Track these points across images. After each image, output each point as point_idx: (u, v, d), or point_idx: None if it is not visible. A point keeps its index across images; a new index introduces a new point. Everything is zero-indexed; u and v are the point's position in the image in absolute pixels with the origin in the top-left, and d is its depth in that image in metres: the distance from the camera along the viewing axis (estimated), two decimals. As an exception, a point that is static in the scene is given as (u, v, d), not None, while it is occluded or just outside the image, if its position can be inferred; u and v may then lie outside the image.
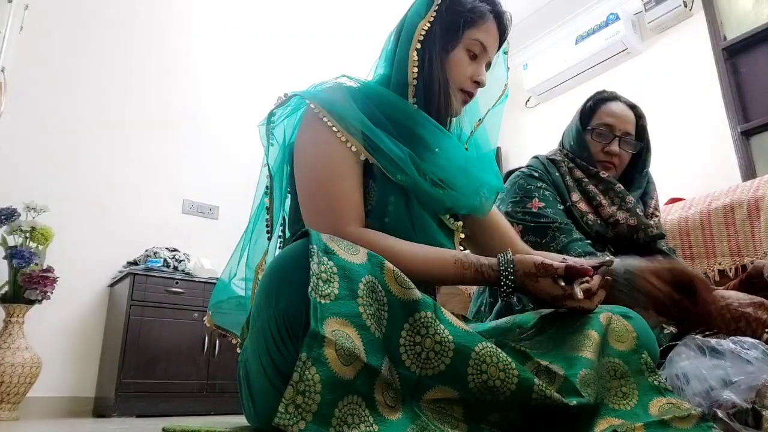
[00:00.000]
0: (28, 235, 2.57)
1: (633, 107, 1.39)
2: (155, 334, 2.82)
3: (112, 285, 3.10)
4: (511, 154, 4.23)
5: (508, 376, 0.62)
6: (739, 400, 0.67)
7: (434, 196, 0.88)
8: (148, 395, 2.72)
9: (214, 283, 1.12)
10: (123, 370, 2.68)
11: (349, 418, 0.55)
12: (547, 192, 1.28)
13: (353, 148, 0.84)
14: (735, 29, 3.12)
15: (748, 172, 2.84)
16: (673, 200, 1.91)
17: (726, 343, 0.75)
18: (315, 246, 0.60)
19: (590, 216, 1.28)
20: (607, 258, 0.87)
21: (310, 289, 0.57)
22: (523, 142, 4.12)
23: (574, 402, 0.64)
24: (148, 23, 3.62)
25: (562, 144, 1.44)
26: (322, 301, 0.57)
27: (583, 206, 1.29)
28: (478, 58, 0.95)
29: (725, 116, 3.03)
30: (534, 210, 1.24)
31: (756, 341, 0.76)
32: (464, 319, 0.94)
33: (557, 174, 1.34)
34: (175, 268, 3.10)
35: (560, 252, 1.16)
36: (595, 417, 0.68)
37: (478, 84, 0.96)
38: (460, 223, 0.97)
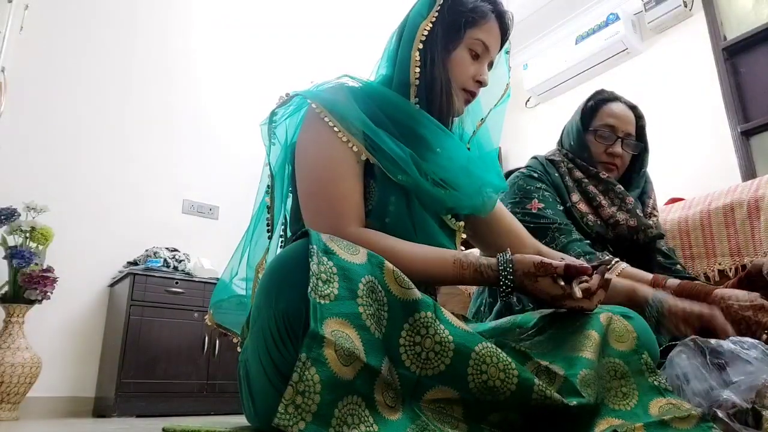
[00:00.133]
0: (28, 235, 2.57)
1: (633, 108, 1.39)
2: (155, 334, 2.82)
3: (112, 285, 3.10)
4: (511, 154, 4.23)
5: (508, 377, 0.62)
6: (739, 400, 0.67)
7: (436, 196, 0.88)
8: (148, 395, 2.72)
9: (214, 283, 1.13)
10: (123, 370, 2.67)
11: (348, 419, 0.55)
12: (546, 193, 1.28)
13: (354, 148, 0.84)
14: (735, 29, 3.12)
15: (748, 172, 2.84)
16: (673, 200, 1.91)
17: (726, 344, 0.75)
18: (315, 246, 0.60)
19: (590, 217, 1.28)
20: (606, 257, 0.87)
21: (309, 289, 0.57)
22: (523, 142, 4.12)
23: (574, 402, 0.63)
24: (148, 23, 3.62)
25: (561, 144, 1.44)
26: (322, 302, 0.57)
27: (583, 207, 1.29)
28: (480, 58, 0.95)
29: (725, 116, 3.03)
30: (533, 211, 1.24)
31: (756, 341, 0.76)
32: (464, 319, 0.94)
33: (557, 174, 1.34)
34: (175, 268, 3.10)
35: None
36: (595, 417, 0.68)
37: (480, 83, 0.96)
38: (462, 223, 0.97)
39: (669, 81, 3.39)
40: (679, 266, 1.31)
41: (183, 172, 3.55)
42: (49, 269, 2.57)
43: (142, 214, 3.32)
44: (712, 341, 0.76)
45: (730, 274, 1.40)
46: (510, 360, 0.64)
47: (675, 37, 3.44)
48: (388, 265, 0.65)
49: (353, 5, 4.36)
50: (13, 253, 2.51)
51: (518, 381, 0.62)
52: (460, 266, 0.79)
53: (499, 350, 0.64)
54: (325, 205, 0.82)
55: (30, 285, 2.48)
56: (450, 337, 0.63)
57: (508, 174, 1.39)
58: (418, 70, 0.90)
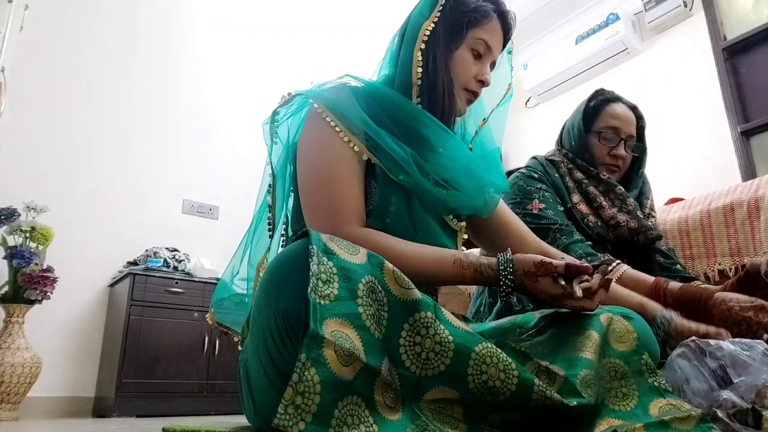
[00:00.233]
0: (28, 235, 2.56)
1: (634, 108, 1.39)
2: (155, 334, 2.81)
3: (112, 285, 3.10)
4: (511, 154, 4.23)
5: (508, 377, 0.62)
6: (739, 400, 0.67)
7: (437, 196, 0.88)
8: (148, 395, 2.72)
9: (214, 284, 1.13)
10: (123, 370, 2.67)
11: (348, 419, 0.55)
12: (547, 193, 1.28)
13: (355, 148, 0.84)
14: (735, 29, 3.12)
15: (748, 172, 2.84)
16: (673, 200, 1.91)
17: (726, 344, 0.75)
18: (315, 246, 0.60)
19: (591, 218, 1.28)
20: (607, 257, 0.87)
21: (309, 289, 0.57)
22: (523, 142, 4.12)
23: (574, 403, 0.63)
24: (148, 23, 3.62)
25: (560, 144, 1.44)
26: (322, 302, 0.57)
27: (583, 208, 1.29)
28: (482, 58, 0.95)
29: (725, 116, 3.03)
30: (534, 211, 1.24)
31: (756, 342, 0.76)
32: (464, 319, 0.94)
33: (557, 175, 1.33)
34: (175, 268, 3.10)
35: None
36: (596, 418, 0.67)
37: (483, 83, 0.96)
38: (464, 223, 0.97)
39: (669, 81, 3.39)
40: (679, 266, 1.31)
41: (183, 172, 3.55)
42: (49, 269, 2.57)
43: (142, 214, 3.32)
44: (712, 342, 0.76)
45: (730, 274, 1.40)
46: (510, 360, 0.64)
47: (675, 37, 3.44)
48: (388, 265, 0.65)
49: (353, 5, 4.36)
50: (13, 253, 2.51)
51: (518, 381, 0.62)
52: (460, 266, 0.79)
53: (499, 350, 0.64)
54: (325, 204, 0.82)
55: (30, 285, 2.48)
56: (450, 338, 0.63)
57: (508, 174, 1.38)
58: (420, 70, 0.90)
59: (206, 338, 2.93)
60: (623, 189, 1.31)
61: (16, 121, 2.93)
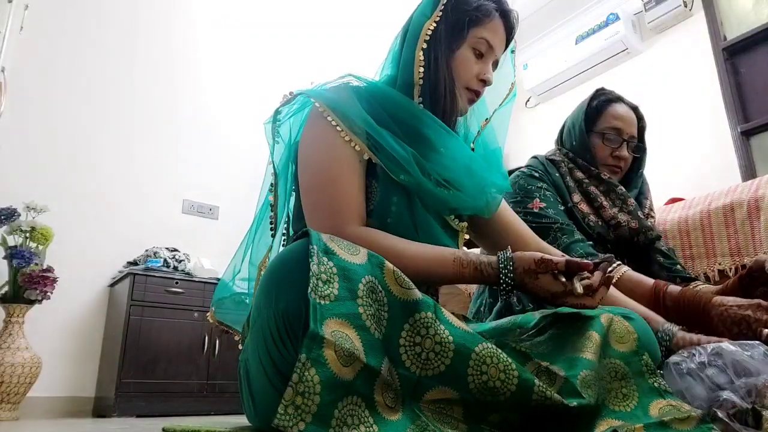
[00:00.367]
0: (28, 235, 2.56)
1: (635, 109, 1.39)
2: (155, 334, 2.81)
3: (112, 285, 3.10)
4: (511, 154, 4.23)
5: (508, 377, 0.62)
6: (739, 400, 0.67)
7: (438, 196, 0.88)
8: (148, 395, 2.72)
9: (214, 284, 1.13)
10: (123, 370, 2.67)
11: (348, 419, 0.55)
12: (548, 192, 1.28)
13: (357, 148, 0.84)
14: (735, 29, 3.11)
15: (748, 172, 2.84)
16: (673, 200, 1.91)
17: (726, 344, 0.75)
18: (315, 246, 0.60)
19: (592, 217, 1.28)
20: (608, 256, 0.86)
21: (309, 289, 0.57)
22: (524, 142, 4.12)
23: (574, 403, 0.63)
24: (148, 23, 3.61)
25: (561, 143, 1.44)
26: (322, 302, 0.56)
27: (584, 207, 1.29)
28: (484, 57, 0.95)
29: (725, 116, 3.03)
30: (535, 210, 1.24)
31: (756, 342, 0.76)
32: (464, 319, 0.94)
33: (557, 174, 1.33)
34: (175, 268, 3.10)
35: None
36: (596, 418, 0.67)
37: (485, 82, 0.95)
38: (465, 223, 0.97)
39: (669, 81, 3.39)
40: (679, 266, 1.31)
41: (183, 172, 3.55)
42: (49, 269, 2.57)
43: (142, 214, 3.32)
44: (711, 345, 0.76)
45: (730, 274, 1.40)
46: (510, 360, 0.63)
47: (675, 37, 3.44)
48: (389, 265, 0.64)
49: (353, 5, 4.36)
50: (13, 253, 2.51)
51: (518, 382, 0.62)
52: (459, 264, 0.79)
53: (500, 351, 0.64)
54: (326, 203, 0.82)
55: (30, 285, 2.48)
56: (450, 338, 0.63)
57: (509, 173, 1.39)
58: (422, 69, 0.90)
59: (206, 338, 2.93)
60: (624, 189, 1.31)
61: (16, 121, 2.93)
